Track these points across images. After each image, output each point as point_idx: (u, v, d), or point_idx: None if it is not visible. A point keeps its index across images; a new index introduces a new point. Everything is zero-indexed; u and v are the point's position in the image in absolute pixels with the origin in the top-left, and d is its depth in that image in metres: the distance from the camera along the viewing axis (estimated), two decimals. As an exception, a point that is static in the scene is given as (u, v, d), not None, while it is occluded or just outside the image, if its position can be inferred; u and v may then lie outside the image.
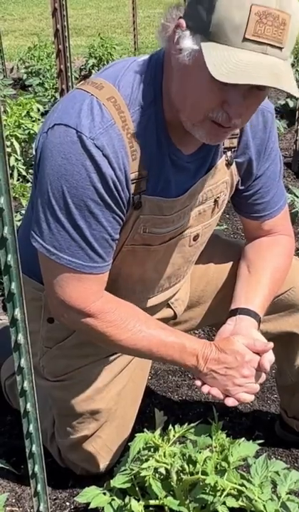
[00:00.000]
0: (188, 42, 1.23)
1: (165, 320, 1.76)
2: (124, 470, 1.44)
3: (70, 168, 1.30)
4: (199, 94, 1.26)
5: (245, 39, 1.16)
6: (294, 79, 1.22)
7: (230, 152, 1.51)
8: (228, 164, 1.52)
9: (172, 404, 2.09)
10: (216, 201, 1.56)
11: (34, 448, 1.26)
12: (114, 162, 1.32)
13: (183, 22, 1.24)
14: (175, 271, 1.62)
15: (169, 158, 1.41)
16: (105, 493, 1.45)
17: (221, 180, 1.53)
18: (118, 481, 1.42)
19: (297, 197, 3.05)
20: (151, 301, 1.65)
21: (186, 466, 1.38)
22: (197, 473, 1.35)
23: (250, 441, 1.43)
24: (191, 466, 1.38)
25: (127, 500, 1.41)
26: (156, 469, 1.40)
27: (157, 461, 1.38)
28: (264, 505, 1.32)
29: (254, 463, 1.40)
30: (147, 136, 1.36)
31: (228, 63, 1.17)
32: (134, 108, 1.34)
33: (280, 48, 1.19)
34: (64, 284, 1.40)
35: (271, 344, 1.50)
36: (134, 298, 1.61)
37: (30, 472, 1.30)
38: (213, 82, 1.19)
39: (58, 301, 1.42)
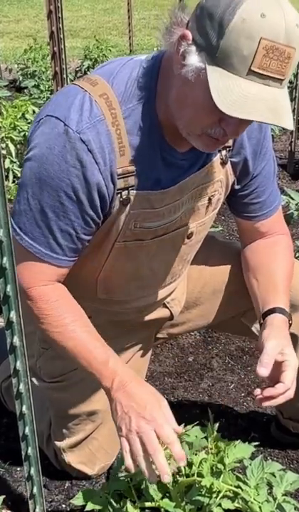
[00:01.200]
0: (193, 59, 1.24)
1: (162, 320, 1.77)
2: (120, 472, 1.44)
3: (51, 158, 1.33)
4: (198, 110, 1.28)
5: (250, 71, 1.19)
6: (290, 110, 1.25)
7: (224, 151, 1.52)
8: (223, 163, 1.53)
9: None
10: (210, 199, 1.57)
11: (30, 450, 1.26)
12: (100, 157, 1.34)
13: (189, 34, 1.24)
14: (170, 269, 1.62)
15: (161, 156, 1.42)
16: (101, 496, 1.45)
17: (216, 178, 1.54)
18: (114, 484, 1.42)
19: (292, 199, 3.05)
20: (147, 300, 1.65)
21: (182, 468, 1.38)
22: (193, 475, 1.36)
23: (246, 442, 1.43)
24: (186, 468, 1.39)
25: (123, 502, 1.41)
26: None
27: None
28: (260, 507, 1.32)
29: (250, 464, 1.40)
30: (138, 133, 1.38)
31: (231, 94, 1.19)
32: (126, 105, 1.36)
33: (282, 80, 1.22)
34: (20, 262, 1.41)
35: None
36: (129, 297, 1.61)
37: (26, 475, 1.30)
38: (214, 105, 1.21)
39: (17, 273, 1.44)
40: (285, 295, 1.58)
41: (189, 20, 1.27)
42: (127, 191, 1.41)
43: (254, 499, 1.33)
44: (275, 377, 1.44)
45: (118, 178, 1.38)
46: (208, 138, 1.32)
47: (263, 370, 1.41)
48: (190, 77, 1.25)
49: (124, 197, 1.41)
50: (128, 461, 1.30)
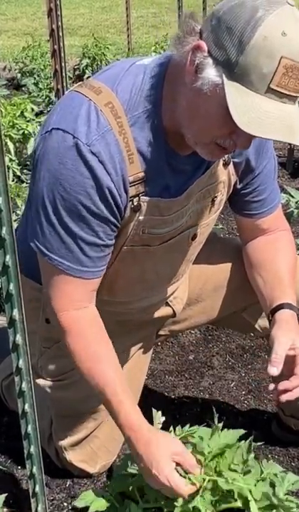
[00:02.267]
0: (210, 72, 1.23)
1: (164, 318, 1.77)
2: (123, 472, 1.44)
3: (65, 173, 1.33)
4: (211, 122, 1.29)
5: (269, 88, 1.19)
6: None
7: None
8: (226, 164, 1.53)
9: (169, 404, 2.09)
10: (213, 201, 1.57)
11: (32, 449, 1.26)
12: (111, 168, 1.34)
13: (204, 46, 1.23)
14: (174, 270, 1.63)
15: (167, 161, 1.42)
16: (103, 496, 1.44)
17: (219, 180, 1.54)
18: (117, 484, 1.42)
19: (292, 196, 3.05)
20: (150, 300, 1.65)
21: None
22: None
23: (247, 441, 1.43)
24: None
25: (125, 503, 1.41)
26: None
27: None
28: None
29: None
30: (144, 141, 1.38)
31: (249, 111, 1.20)
32: (131, 113, 1.36)
33: (296, 98, 1.23)
34: (52, 283, 1.43)
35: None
36: (133, 298, 1.61)
37: (28, 473, 1.30)
38: (229, 119, 1.21)
39: (46, 299, 1.46)
40: (291, 289, 1.59)
41: (201, 29, 1.26)
42: (138, 198, 1.41)
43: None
44: (290, 372, 1.45)
45: (130, 186, 1.38)
46: (216, 147, 1.33)
47: (273, 369, 1.41)
48: (205, 89, 1.25)
49: (135, 203, 1.41)
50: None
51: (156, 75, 1.37)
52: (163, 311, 1.73)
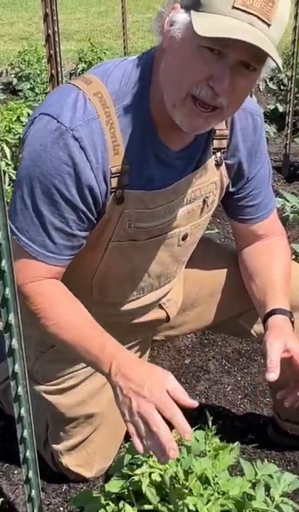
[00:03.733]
0: (181, 16, 1.25)
1: (158, 321, 1.77)
2: (119, 475, 1.44)
3: (44, 155, 1.33)
4: (185, 66, 1.27)
5: (233, 7, 1.19)
6: (278, 55, 1.23)
7: (219, 153, 1.53)
8: (218, 165, 1.54)
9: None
10: (204, 201, 1.57)
11: (28, 453, 1.26)
12: (92, 155, 1.34)
13: (178, 5, 1.27)
14: (164, 270, 1.63)
15: (154, 154, 1.42)
16: (99, 498, 1.44)
17: (210, 180, 1.55)
18: (113, 486, 1.42)
19: (287, 201, 3.06)
20: (142, 301, 1.65)
21: (180, 474, 1.38)
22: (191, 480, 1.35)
23: (244, 444, 1.43)
24: (184, 473, 1.38)
25: (121, 505, 1.41)
26: (150, 474, 1.39)
27: (151, 466, 1.38)
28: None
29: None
30: (131, 131, 1.38)
31: (214, 25, 1.19)
32: (120, 104, 1.36)
33: (268, 25, 1.21)
34: (16, 261, 1.40)
35: None
36: (124, 298, 1.61)
37: (24, 478, 1.30)
38: (200, 53, 1.21)
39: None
40: (284, 295, 1.59)
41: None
42: (121, 190, 1.41)
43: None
44: (291, 372, 1.46)
45: (112, 177, 1.38)
46: (193, 105, 1.28)
47: (271, 374, 1.41)
48: (178, 34, 1.26)
49: (118, 196, 1.41)
50: (137, 445, 1.23)
51: (143, 64, 1.38)
52: (156, 314, 1.73)
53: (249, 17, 1.19)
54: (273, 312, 1.54)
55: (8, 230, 1.04)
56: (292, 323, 1.54)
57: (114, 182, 1.39)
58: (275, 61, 1.21)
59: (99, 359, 1.33)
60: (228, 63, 1.23)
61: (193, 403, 1.24)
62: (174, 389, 1.24)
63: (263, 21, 1.20)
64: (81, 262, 1.49)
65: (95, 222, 1.43)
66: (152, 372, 1.28)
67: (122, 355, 1.33)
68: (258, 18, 1.20)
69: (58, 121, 1.33)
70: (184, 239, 1.60)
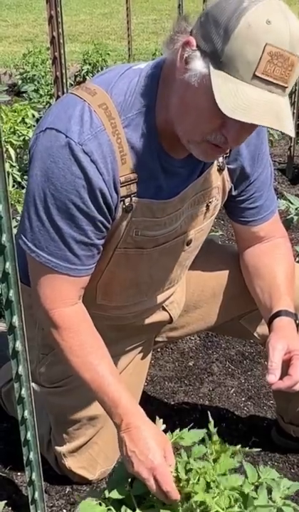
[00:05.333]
0: (198, 64, 1.24)
1: (161, 323, 1.77)
2: (120, 479, 1.43)
3: (56, 172, 1.34)
4: (200, 116, 1.29)
5: (254, 76, 1.19)
6: (291, 117, 1.26)
7: (221, 158, 1.53)
8: (220, 170, 1.54)
9: (168, 410, 2.09)
10: (207, 206, 1.57)
11: (32, 455, 1.26)
12: (103, 167, 1.35)
13: (193, 41, 1.25)
14: (169, 275, 1.63)
15: (160, 164, 1.43)
16: (100, 504, 1.44)
17: (213, 185, 1.55)
18: (114, 493, 1.41)
19: (291, 203, 3.05)
20: (145, 304, 1.66)
21: (182, 475, 1.38)
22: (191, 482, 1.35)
23: (247, 447, 1.43)
24: (184, 474, 1.38)
25: (123, 510, 1.40)
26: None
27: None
28: None
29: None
30: (137, 142, 1.39)
31: (235, 98, 1.20)
32: (125, 115, 1.37)
33: (284, 88, 1.23)
34: (40, 281, 1.43)
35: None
36: (127, 302, 1.61)
37: (27, 480, 1.30)
38: (216, 110, 1.21)
39: (34, 297, 1.45)
40: (288, 296, 1.59)
41: (192, 28, 1.27)
42: (129, 198, 1.41)
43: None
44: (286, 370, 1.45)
45: (121, 186, 1.39)
46: (209, 145, 1.32)
47: (271, 376, 1.41)
48: (193, 82, 1.25)
49: (126, 204, 1.42)
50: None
51: (150, 77, 1.38)
52: (159, 316, 1.74)
53: (268, 86, 1.21)
54: (277, 314, 1.54)
55: (12, 232, 1.04)
56: (298, 325, 1.54)
57: (123, 191, 1.40)
58: (285, 133, 1.24)
59: (111, 412, 1.40)
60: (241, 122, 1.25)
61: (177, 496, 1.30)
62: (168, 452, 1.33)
63: (281, 86, 1.22)
64: None
65: (110, 228, 1.44)
66: (156, 440, 1.35)
67: (133, 413, 1.38)
68: (277, 85, 1.21)
69: (66, 136, 1.33)
70: (188, 244, 1.60)
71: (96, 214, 1.38)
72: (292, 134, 1.25)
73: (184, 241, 1.58)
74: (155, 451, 1.32)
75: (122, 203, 1.41)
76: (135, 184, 1.41)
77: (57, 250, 1.39)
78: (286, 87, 1.23)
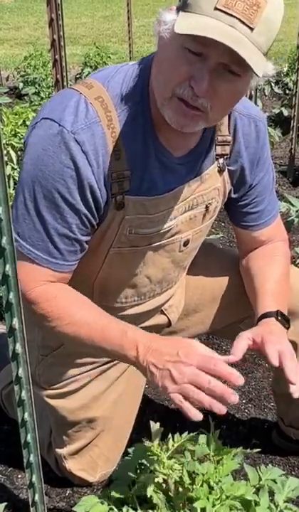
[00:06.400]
0: (170, 16, 1.27)
1: (159, 327, 1.77)
2: (122, 479, 1.43)
3: (46, 159, 1.33)
4: (170, 67, 1.28)
5: (215, 8, 1.19)
6: (260, 57, 1.22)
7: (222, 159, 1.53)
8: (220, 171, 1.54)
9: (169, 412, 2.09)
10: (207, 207, 1.57)
11: (32, 458, 1.26)
12: (93, 159, 1.34)
13: (174, 7, 1.29)
14: (166, 276, 1.63)
15: (157, 158, 1.42)
16: (102, 502, 1.44)
17: (213, 186, 1.55)
18: (117, 492, 1.41)
19: (292, 205, 3.05)
20: (144, 307, 1.65)
21: (185, 478, 1.38)
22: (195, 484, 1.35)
23: (248, 449, 1.43)
24: (188, 478, 1.38)
25: (124, 509, 1.40)
26: (153, 479, 1.39)
27: (155, 471, 1.38)
28: None
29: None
30: (132, 135, 1.38)
31: (193, 24, 1.20)
32: (121, 108, 1.37)
33: (251, 29, 1.20)
34: (20, 268, 1.40)
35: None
36: (125, 303, 1.61)
37: (27, 482, 1.30)
38: (183, 54, 1.22)
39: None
40: (272, 297, 1.56)
41: None
42: (121, 196, 1.41)
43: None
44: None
45: (113, 182, 1.38)
46: (178, 102, 1.29)
47: (231, 356, 1.39)
48: (165, 36, 1.27)
49: (118, 201, 1.41)
50: (190, 412, 1.27)
51: (143, 67, 1.39)
52: (158, 320, 1.73)
53: (230, 19, 1.19)
54: (264, 316, 1.54)
55: (13, 235, 1.04)
56: (286, 323, 1.52)
57: (114, 187, 1.39)
58: (249, 65, 1.19)
59: (122, 346, 1.32)
60: (208, 65, 1.24)
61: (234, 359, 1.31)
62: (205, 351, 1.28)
63: (246, 25, 1.19)
64: (82, 267, 1.49)
65: (97, 226, 1.43)
66: (180, 341, 1.31)
67: (144, 336, 1.33)
68: (240, 21, 1.19)
69: (59, 125, 1.33)
70: (185, 245, 1.60)
71: (82, 207, 1.37)
72: (260, 67, 1.21)
73: (181, 241, 1.58)
74: (184, 348, 1.26)
75: (113, 199, 1.40)
76: (128, 181, 1.40)
77: (39, 242, 1.38)
78: (252, 28, 1.20)
